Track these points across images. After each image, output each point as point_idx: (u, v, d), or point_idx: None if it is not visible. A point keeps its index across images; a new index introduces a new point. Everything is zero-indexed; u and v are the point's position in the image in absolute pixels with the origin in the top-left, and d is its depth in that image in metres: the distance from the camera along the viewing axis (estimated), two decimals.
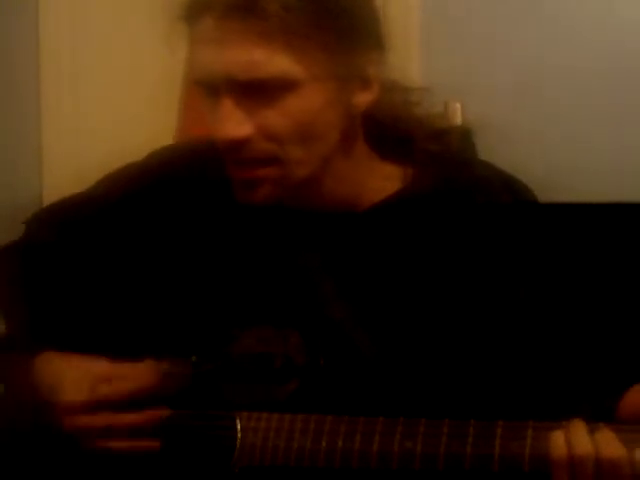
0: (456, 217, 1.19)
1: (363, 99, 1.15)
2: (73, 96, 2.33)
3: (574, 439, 1.01)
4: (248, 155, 1.12)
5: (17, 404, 1.19)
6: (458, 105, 2.13)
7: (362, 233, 1.20)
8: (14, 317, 1.29)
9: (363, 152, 1.21)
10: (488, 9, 2.23)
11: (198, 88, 1.14)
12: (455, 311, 1.16)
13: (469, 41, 2.23)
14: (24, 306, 1.28)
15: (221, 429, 1.13)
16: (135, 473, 1.16)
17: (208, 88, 1.12)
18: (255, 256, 1.22)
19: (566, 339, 1.15)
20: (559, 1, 2.23)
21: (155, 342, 1.20)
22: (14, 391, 1.20)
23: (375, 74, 1.15)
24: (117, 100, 2.31)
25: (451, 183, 1.21)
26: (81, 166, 2.22)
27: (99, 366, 1.17)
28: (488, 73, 2.21)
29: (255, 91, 1.09)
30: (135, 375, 1.16)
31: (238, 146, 1.11)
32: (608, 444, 1.00)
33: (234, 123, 1.10)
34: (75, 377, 1.16)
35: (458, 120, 2.11)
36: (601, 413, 1.04)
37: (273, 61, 1.08)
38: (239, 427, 1.13)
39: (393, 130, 1.22)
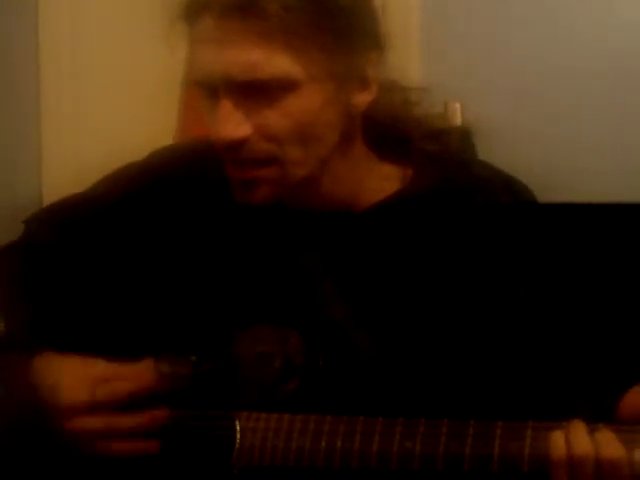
0: (456, 217, 1.19)
1: (362, 99, 1.15)
2: (73, 96, 2.33)
3: (574, 439, 1.01)
4: (247, 155, 1.12)
5: (16, 405, 1.19)
6: (458, 105, 2.13)
7: (362, 233, 1.20)
8: (14, 317, 1.28)
9: (362, 152, 1.21)
10: (488, 9, 2.23)
11: (197, 88, 1.14)
12: (455, 311, 1.16)
13: (469, 41, 2.23)
14: (24, 306, 1.28)
15: (220, 429, 1.13)
16: (135, 473, 1.16)
17: (207, 88, 1.12)
18: (255, 256, 1.22)
19: (566, 339, 1.15)
20: (559, 1, 2.23)
21: (155, 342, 1.20)
22: (13, 392, 1.20)
23: (374, 74, 1.15)
24: (117, 100, 2.31)
25: (450, 183, 1.21)
26: (81, 166, 2.23)
27: (98, 367, 1.16)
28: (488, 73, 2.22)
29: (254, 91, 1.09)
30: (134, 375, 1.15)
31: (237, 146, 1.11)
32: (608, 444, 1.00)
33: (233, 123, 1.10)
34: (74, 378, 1.16)
35: (458, 120, 2.11)
36: (601, 413, 1.04)
37: (272, 61, 1.08)
38: (238, 427, 1.12)
39: (392, 130, 1.22)
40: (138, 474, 1.16)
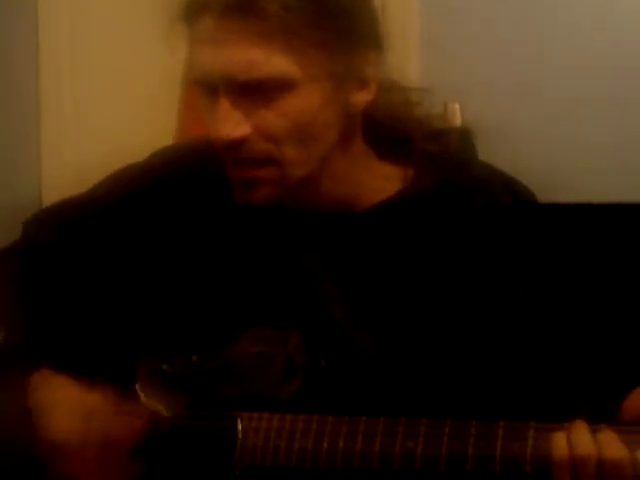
0: (456, 218, 1.18)
1: (361, 99, 1.15)
2: (73, 96, 2.33)
3: (576, 440, 1.00)
4: (246, 155, 1.12)
5: (8, 425, 1.19)
6: (457, 105, 2.14)
7: (362, 233, 1.20)
8: (13, 324, 1.28)
9: (362, 152, 1.21)
10: (488, 9, 2.23)
11: (197, 88, 1.14)
12: (455, 311, 1.16)
13: (469, 41, 2.23)
14: (23, 311, 1.27)
15: (222, 429, 1.13)
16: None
17: (207, 88, 1.12)
18: (255, 256, 1.22)
19: (567, 340, 1.14)
20: (559, 1, 2.23)
21: (156, 342, 1.20)
22: (7, 414, 1.20)
23: (374, 74, 1.15)
24: (117, 100, 2.31)
25: (450, 184, 1.21)
26: (81, 166, 2.23)
27: (91, 401, 1.16)
28: (488, 73, 2.22)
29: (253, 91, 1.09)
30: (122, 423, 1.15)
31: (236, 146, 1.11)
32: (610, 445, 1.00)
33: (232, 123, 1.10)
34: (66, 413, 1.16)
35: (457, 120, 2.11)
36: (602, 415, 1.04)
37: (271, 61, 1.08)
38: (240, 427, 1.12)
39: (392, 130, 1.22)
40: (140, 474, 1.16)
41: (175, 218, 1.26)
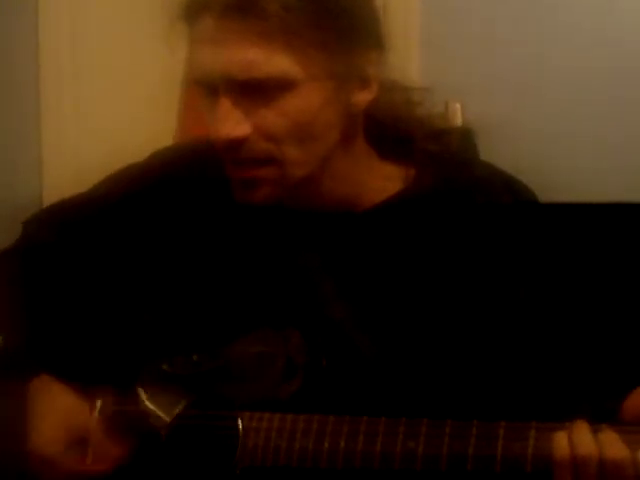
0: (456, 217, 1.18)
1: (362, 98, 1.15)
2: (73, 96, 2.33)
3: (577, 440, 1.00)
4: (246, 155, 1.12)
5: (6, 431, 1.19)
6: (458, 105, 2.14)
7: (363, 233, 1.20)
8: (13, 326, 1.28)
9: (363, 152, 1.21)
10: (488, 9, 2.24)
11: (197, 88, 1.14)
12: (456, 311, 1.16)
13: (470, 41, 2.23)
14: (23, 313, 1.27)
15: (223, 429, 1.13)
16: (137, 473, 1.16)
17: (207, 88, 1.12)
18: (255, 256, 1.22)
19: (567, 340, 1.14)
20: (559, 1, 2.23)
21: (156, 342, 1.20)
22: (6, 421, 1.20)
23: (374, 73, 1.15)
24: (117, 100, 2.31)
25: (451, 183, 1.21)
26: (81, 166, 2.23)
27: (81, 415, 1.18)
28: (488, 73, 2.22)
29: (253, 91, 1.09)
30: (105, 452, 1.17)
31: (236, 146, 1.11)
32: (611, 445, 0.99)
33: (232, 122, 1.10)
34: (52, 421, 1.17)
35: (458, 120, 2.11)
36: (603, 415, 1.04)
37: (272, 61, 1.08)
38: (241, 427, 1.12)
39: (393, 130, 1.22)
40: (140, 473, 1.16)
41: (175, 218, 1.26)
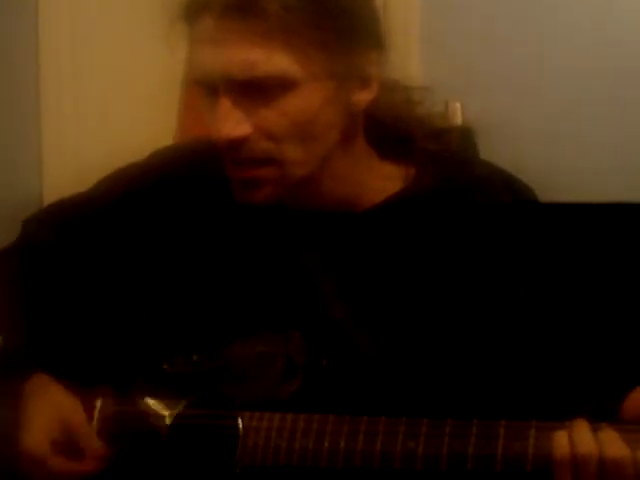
0: (457, 217, 1.18)
1: (363, 98, 1.15)
2: (73, 96, 2.33)
3: (577, 439, 1.00)
4: (246, 155, 1.12)
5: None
6: (458, 104, 2.13)
7: (363, 233, 1.20)
8: (12, 321, 1.28)
9: (363, 151, 1.21)
10: (488, 8, 2.23)
11: (197, 88, 1.14)
12: (456, 311, 1.16)
13: (469, 40, 2.23)
14: (22, 313, 1.27)
15: (223, 429, 1.13)
16: (137, 472, 1.16)
17: (207, 88, 1.12)
18: (255, 256, 1.22)
19: (567, 339, 1.14)
20: (559, 1, 2.23)
21: (156, 342, 1.20)
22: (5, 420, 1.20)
23: (374, 73, 1.15)
24: (117, 100, 2.31)
25: (451, 183, 1.21)
26: (81, 166, 2.23)
27: (71, 421, 1.17)
28: (488, 72, 2.22)
29: (254, 91, 1.09)
30: (95, 452, 1.17)
31: (236, 146, 1.11)
32: (611, 444, 0.99)
33: (232, 122, 1.10)
34: (42, 422, 1.16)
35: (458, 119, 2.11)
36: (603, 415, 1.04)
37: (272, 60, 1.08)
38: (241, 427, 1.12)
39: (393, 130, 1.22)
40: (141, 473, 1.16)
41: (175, 218, 1.26)
